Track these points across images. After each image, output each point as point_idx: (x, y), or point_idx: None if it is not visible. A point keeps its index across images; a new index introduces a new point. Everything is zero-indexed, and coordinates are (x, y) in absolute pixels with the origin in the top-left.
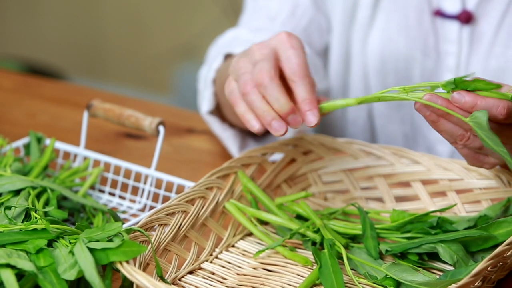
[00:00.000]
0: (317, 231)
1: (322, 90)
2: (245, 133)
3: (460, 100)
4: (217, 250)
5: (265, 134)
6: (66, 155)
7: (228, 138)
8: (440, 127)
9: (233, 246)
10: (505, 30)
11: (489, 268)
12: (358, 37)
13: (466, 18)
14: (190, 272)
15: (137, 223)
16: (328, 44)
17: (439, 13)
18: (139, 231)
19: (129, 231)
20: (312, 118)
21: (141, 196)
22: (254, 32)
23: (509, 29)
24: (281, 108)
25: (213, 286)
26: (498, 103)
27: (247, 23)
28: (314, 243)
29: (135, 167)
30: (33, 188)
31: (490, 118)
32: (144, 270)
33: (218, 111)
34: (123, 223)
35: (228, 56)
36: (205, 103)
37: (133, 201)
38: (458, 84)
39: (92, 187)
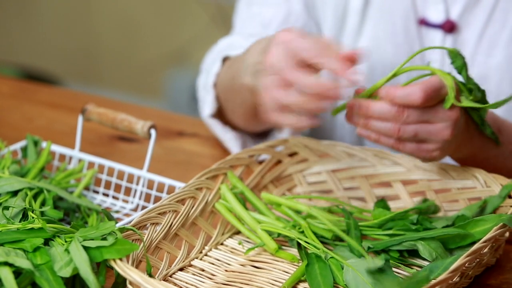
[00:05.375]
0: (303, 231)
1: None
2: (245, 135)
3: (392, 93)
4: (206, 248)
5: (264, 134)
6: (62, 157)
7: (230, 140)
8: (370, 126)
9: (222, 244)
10: (487, 39)
11: (466, 264)
12: (347, 43)
13: (449, 27)
14: (181, 269)
15: (130, 222)
16: None
17: (424, 22)
18: (131, 230)
19: (122, 230)
20: (355, 76)
21: (134, 196)
22: (248, 38)
23: (490, 39)
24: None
25: (203, 282)
26: (415, 89)
27: (241, 30)
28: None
29: (128, 169)
30: (30, 189)
31: (410, 105)
32: (136, 267)
33: (219, 115)
34: (116, 222)
35: (225, 59)
36: (207, 106)
37: (126, 201)
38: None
39: (86, 188)
